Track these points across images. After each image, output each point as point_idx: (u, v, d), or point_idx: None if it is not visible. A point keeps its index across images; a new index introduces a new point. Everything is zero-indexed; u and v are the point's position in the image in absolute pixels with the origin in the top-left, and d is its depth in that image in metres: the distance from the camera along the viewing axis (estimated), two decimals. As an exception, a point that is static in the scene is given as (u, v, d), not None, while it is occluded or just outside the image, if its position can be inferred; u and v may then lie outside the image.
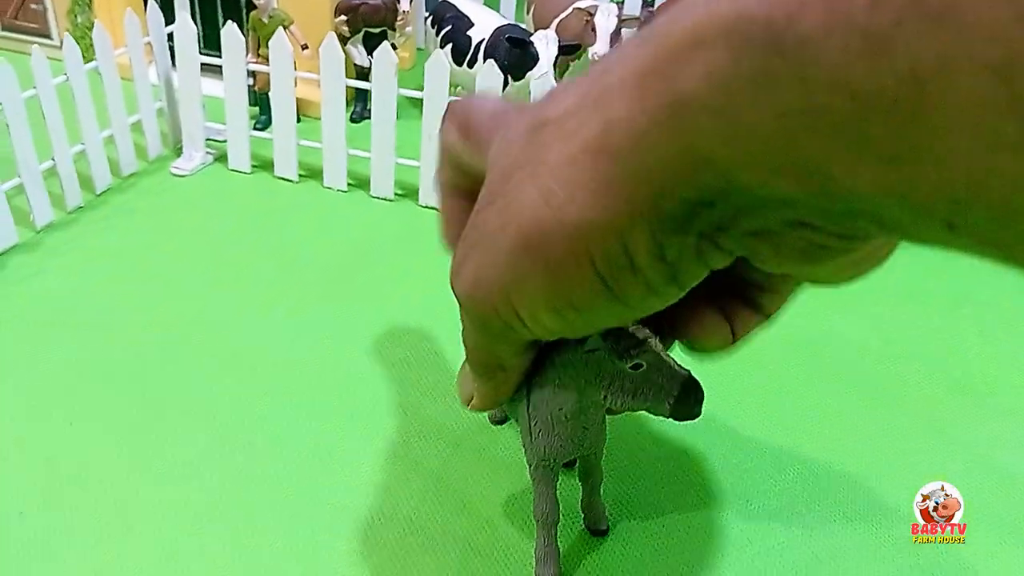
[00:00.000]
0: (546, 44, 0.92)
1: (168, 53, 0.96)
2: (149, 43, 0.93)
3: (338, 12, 1.02)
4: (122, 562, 0.52)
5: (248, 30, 0.97)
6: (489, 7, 1.07)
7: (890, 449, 0.61)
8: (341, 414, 0.63)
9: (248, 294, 0.76)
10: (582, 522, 0.55)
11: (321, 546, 0.53)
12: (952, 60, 0.18)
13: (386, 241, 0.85)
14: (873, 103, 0.19)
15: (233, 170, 0.96)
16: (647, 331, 0.41)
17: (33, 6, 1.17)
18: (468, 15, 1.02)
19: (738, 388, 0.66)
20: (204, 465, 0.59)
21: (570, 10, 1.04)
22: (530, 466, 0.48)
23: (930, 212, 0.21)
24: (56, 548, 0.53)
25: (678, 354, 0.41)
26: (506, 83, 0.93)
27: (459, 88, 1.03)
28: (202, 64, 0.93)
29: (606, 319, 0.32)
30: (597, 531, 0.54)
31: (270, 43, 0.89)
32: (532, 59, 0.91)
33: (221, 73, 0.92)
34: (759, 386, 0.66)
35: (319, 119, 0.91)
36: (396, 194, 0.92)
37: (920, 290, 0.77)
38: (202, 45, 1.04)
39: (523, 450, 0.48)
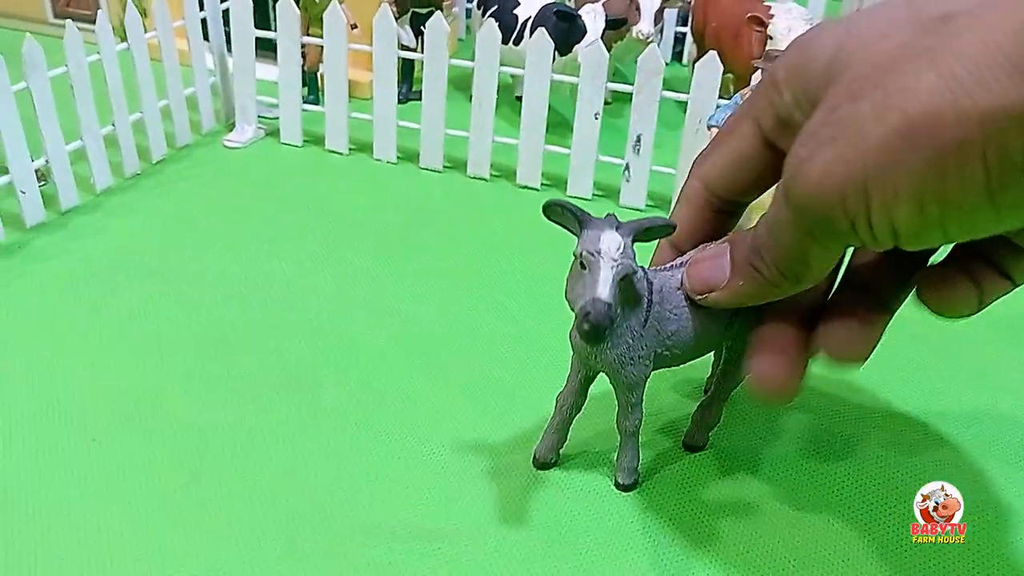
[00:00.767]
0: (594, 17, 0.93)
1: (223, 29, 0.98)
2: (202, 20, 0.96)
3: (387, -7, 1.04)
4: (196, 482, 0.53)
5: (301, 9, 0.99)
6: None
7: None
8: (395, 353, 0.65)
9: (298, 254, 0.78)
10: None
11: (387, 460, 0.54)
12: None
13: (435, 209, 0.86)
14: None
15: (285, 143, 0.98)
16: None
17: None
18: (515, -5, 1.03)
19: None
20: (264, 395, 0.60)
21: (615, -9, 1.05)
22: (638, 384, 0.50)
23: None
24: (128, 471, 0.54)
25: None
26: (554, 58, 0.94)
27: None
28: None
29: (967, 223, 0.31)
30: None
31: (324, 15, 0.91)
32: (580, 32, 0.93)
33: (270, 58, 0.94)
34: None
35: (368, 99, 0.92)
36: (444, 166, 0.94)
37: None
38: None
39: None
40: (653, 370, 0.49)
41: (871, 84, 0.31)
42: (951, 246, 0.40)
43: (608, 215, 0.44)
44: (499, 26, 1.01)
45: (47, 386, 0.60)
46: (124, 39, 0.85)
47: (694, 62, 0.86)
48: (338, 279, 0.74)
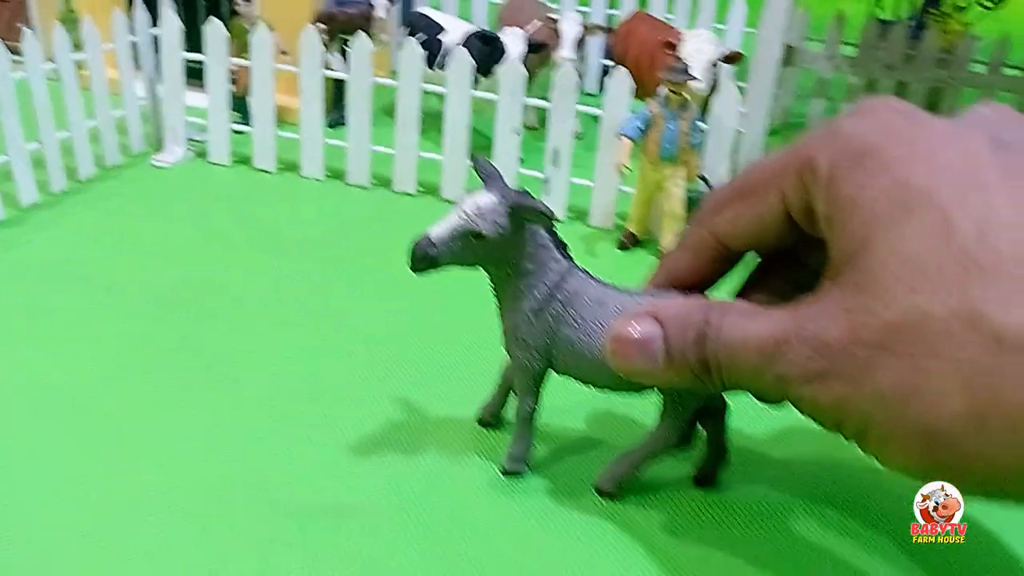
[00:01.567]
0: (515, 41, 0.97)
1: (153, 53, 1.00)
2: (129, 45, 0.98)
3: (316, 21, 1.07)
4: (110, 470, 0.54)
5: (231, 37, 1.02)
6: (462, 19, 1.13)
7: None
8: (312, 347, 0.66)
9: (223, 261, 0.79)
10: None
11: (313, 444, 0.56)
12: None
13: (360, 221, 0.89)
14: None
15: (214, 163, 1.00)
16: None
17: (19, 24, 1.22)
18: (440, 23, 1.07)
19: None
20: (185, 389, 0.61)
21: (538, 21, 1.10)
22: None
23: None
24: (42, 459, 0.54)
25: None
26: (476, 80, 0.98)
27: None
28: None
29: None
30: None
31: (251, 38, 0.93)
32: (500, 53, 0.97)
33: (200, 85, 0.96)
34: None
35: (296, 125, 0.95)
36: (372, 183, 0.96)
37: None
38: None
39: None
40: (560, 374, 0.51)
41: (898, 346, 0.26)
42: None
43: (500, 185, 0.47)
44: (426, 52, 1.05)
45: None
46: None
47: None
48: (262, 283, 0.75)
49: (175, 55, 0.96)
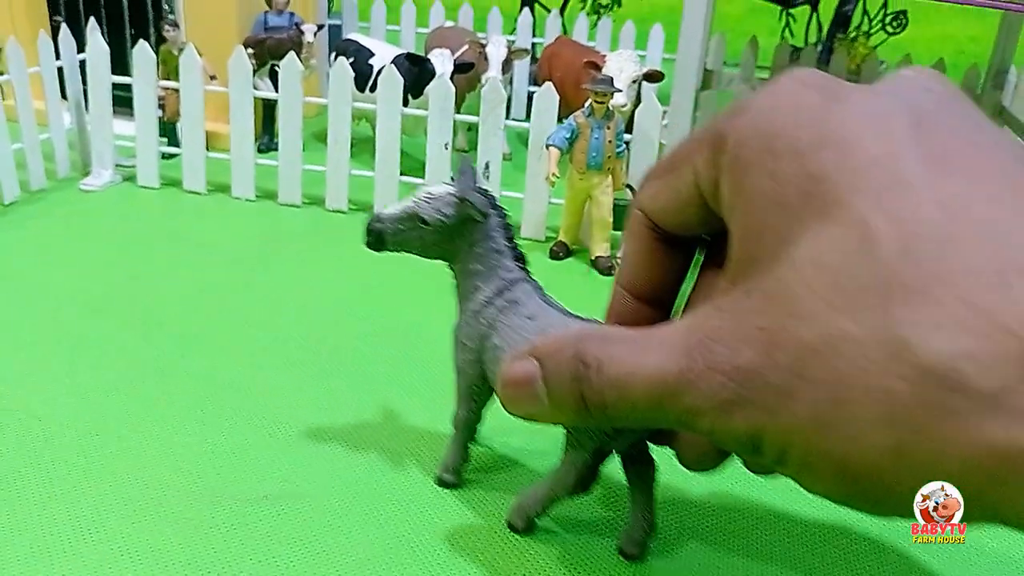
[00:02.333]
0: (442, 61, 0.99)
1: (80, 77, 0.99)
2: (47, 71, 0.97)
3: (245, 46, 1.08)
4: (42, 468, 0.53)
5: (159, 63, 1.02)
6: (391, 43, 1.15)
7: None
8: (250, 351, 0.66)
9: (151, 274, 0.79)
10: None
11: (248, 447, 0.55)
12: None
13: (292, 237, 0.89)
14: None
15: (143, 186, 0.99)
16: None
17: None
18: (369, 48, 1.09)
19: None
20: (123, 393, 0.60)
21: (466, 45, 1.12)
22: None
23: None
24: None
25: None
26: (406, 101, 1.00)
27: (362, 121, 1.10)
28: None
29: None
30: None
31: (180, 59, 0.94)
32: (430, 75, 0.99)
33: (129, 114, 0.96)
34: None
35: (227, 151, 0.96)
36: (304, 202, 0.97)
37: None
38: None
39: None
40: (492, 388, 0.49)
41: (812, 366, 0.25)
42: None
43: (466, 180, 0.48)
44: (356, 75, 1.07)
45: None
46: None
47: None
48: (191, 293, 0.75)
49: (102, 79, 0.96)
